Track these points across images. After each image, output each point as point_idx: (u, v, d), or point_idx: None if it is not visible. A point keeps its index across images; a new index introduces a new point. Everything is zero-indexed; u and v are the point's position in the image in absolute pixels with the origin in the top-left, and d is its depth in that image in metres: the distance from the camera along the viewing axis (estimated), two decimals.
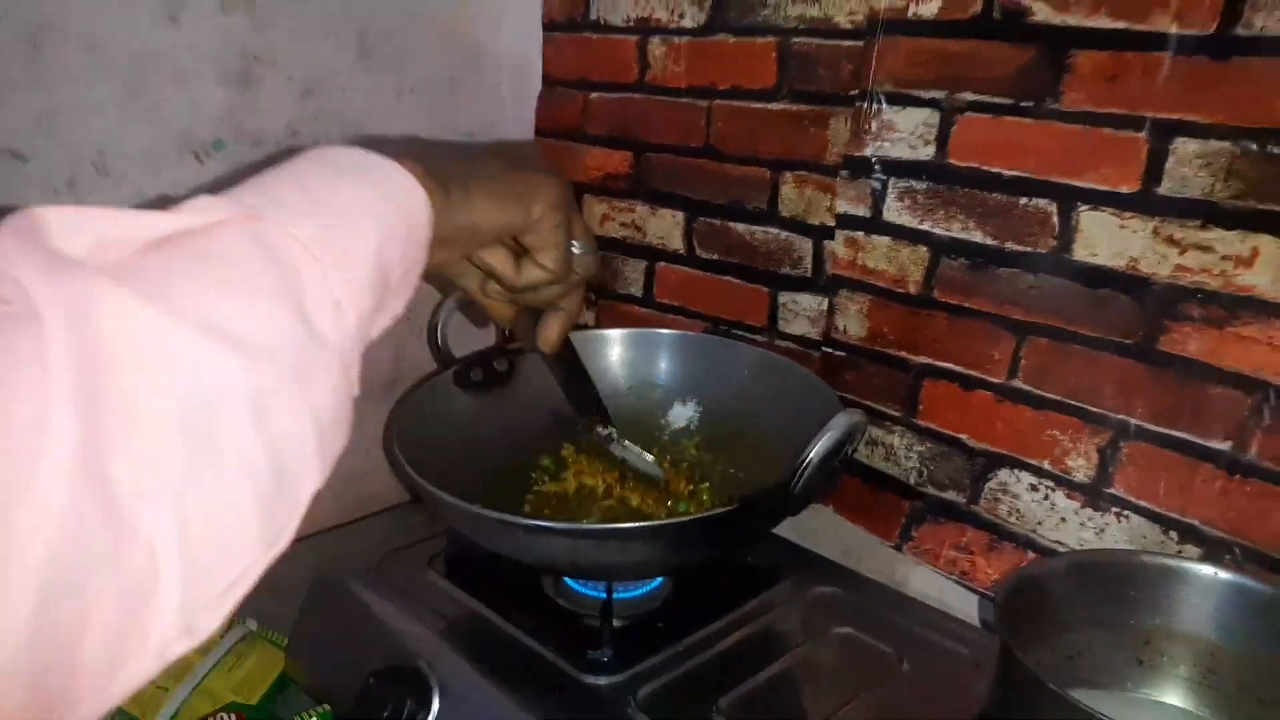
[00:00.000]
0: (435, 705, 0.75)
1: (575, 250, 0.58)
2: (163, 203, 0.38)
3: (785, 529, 0.98)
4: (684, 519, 0.79)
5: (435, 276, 0.55)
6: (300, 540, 1.04)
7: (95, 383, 0.29)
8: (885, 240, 0.94)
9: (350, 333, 0.38)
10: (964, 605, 0.92)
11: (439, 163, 0.47)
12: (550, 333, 0.64)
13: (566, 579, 0.86)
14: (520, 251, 0.57)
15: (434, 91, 1.21)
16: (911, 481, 0.97)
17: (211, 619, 0.32)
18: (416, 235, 0.44)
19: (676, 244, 1.15)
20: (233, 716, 0.80)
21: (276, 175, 0.41)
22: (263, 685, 0.87)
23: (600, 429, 0.80)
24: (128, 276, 0.31)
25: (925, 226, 0.90)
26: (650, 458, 0.85)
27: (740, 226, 1.08)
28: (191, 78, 1.01)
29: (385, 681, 0.75)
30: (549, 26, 1.22)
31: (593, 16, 1.16)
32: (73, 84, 0.92)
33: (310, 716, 0.76)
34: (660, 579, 0.87)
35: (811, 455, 0.69)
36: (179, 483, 0.30)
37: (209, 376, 0.32)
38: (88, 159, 0.95)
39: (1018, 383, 0.87)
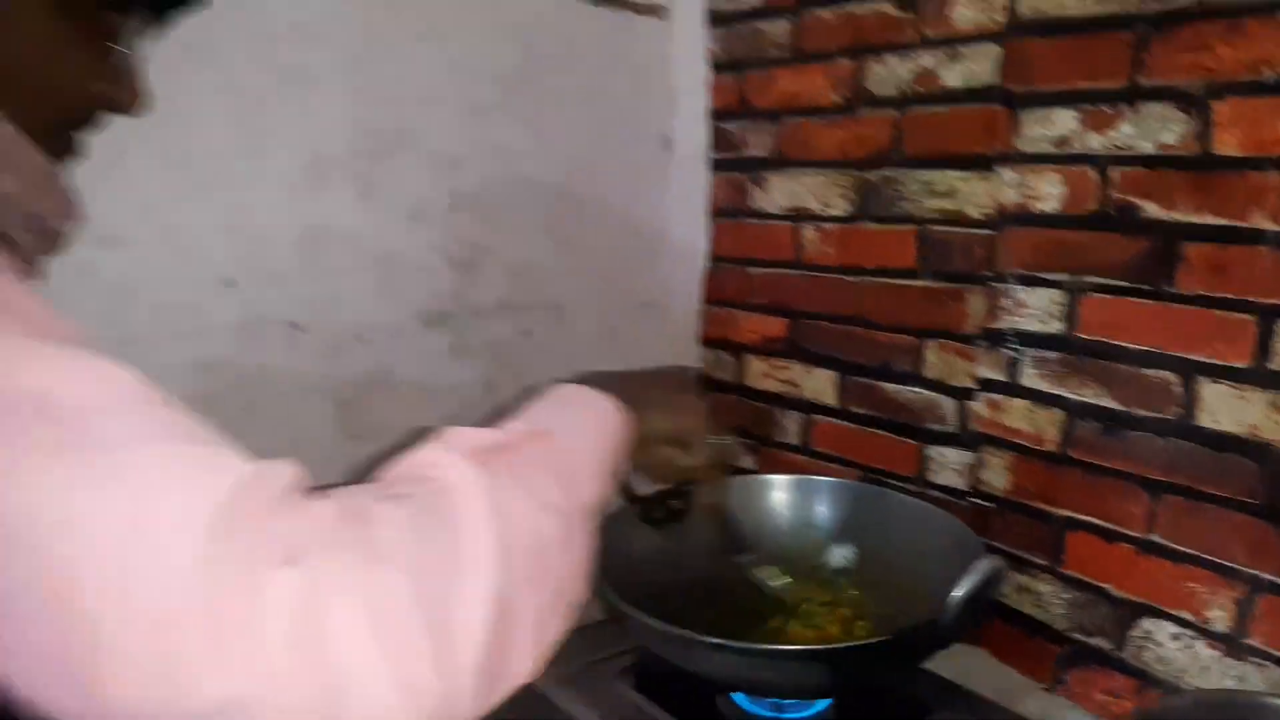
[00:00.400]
0: None
1: (714, 442, 0.77)
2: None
3: (943, 669, 1.06)
4: (840, 645, 0.90)
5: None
6: None
7: (511, 542, 0.47)
8: (1023, 403, 1.05)
9: (592, 501, 0.59)
10: None
11: (624, 388, 0.67)
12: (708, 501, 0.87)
13: (735, 698, 0.97)
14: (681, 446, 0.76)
15: (616, 271, 1.41)
16: (1060, 627, 1.04)
17: (543, 661, 0.50)
18: (619, 442, 0.65)
19: (830, 399, 1.28)
20: None
21: (548, 409, 0.63)
22: None
23: (739, 556, 0.97)
24: (505, 473, 0.51)
25: (1059, 392, 1.01)
26: (777, 583, 0.98)
27: (889, 386, 1.21)
28: (430, 265, 1.23)
29: None
30: (714, 214, 1.41)
31: (753, 206, 1.35)
32: (341, 275, 1.16)
33: None
34: (826, 703, 0.96)
35: (957, 594, 0.80)
36: (535, 585, 0.49)
37: (546, 532, 0.51)
38: (350, 332, 1.18)
39: (1156, 537, 0.95)
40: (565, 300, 1.37)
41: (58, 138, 0.56)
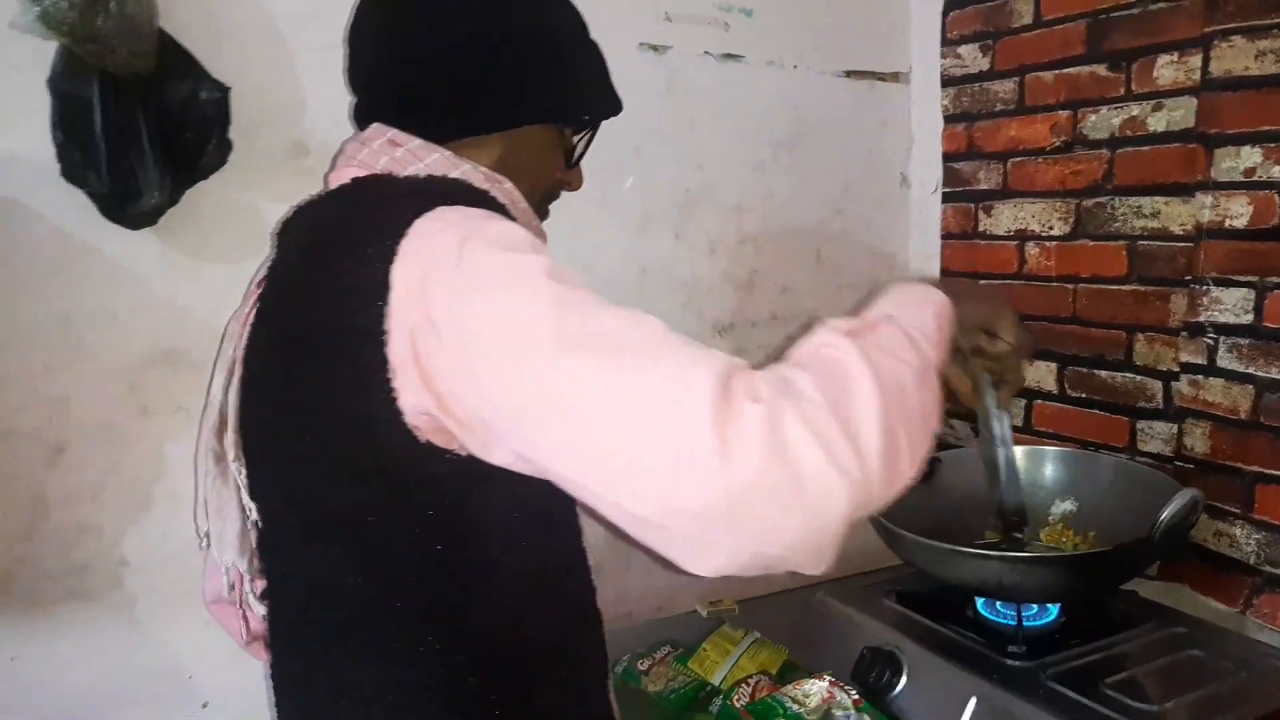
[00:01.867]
0: (904, 675, 1.19)
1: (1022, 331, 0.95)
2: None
3: (1153, 595, 1.32)
4: (1071, 554, 1.20)
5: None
6: (763, 596, 1.53)
7: (877, 376, 0.67)
8: (1220, 381, 1.30)
9: (934, 358, 0.76)
10: None
11: (949, 285, 0.85)
12: (1005, 395, 1.00)
13: (982, 610, 1.27)
14: (992, 335, 0.92)
15: (862, 287, 1.74)
16: (1251, 562, 1.28)
17: (917, 469, 0.69)
18: (948, 320, 0.81)
19: (1050, 386, 1.56)
20: (765, 677, 1.28)
21: (890, 299, 0.80)
22: (774, 665, 1.35)
23: (1017, 534, 1.12)
24: (867, 340, 0.70)
25: (1250, 370, 1.26)
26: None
27: (1103, 373, 1.47)
28: (720, 287, 1.61)
29: (874, 654, 1.21)
30: (945, 236, 1.72)
31: (981, 229, 1.64)
32: (659, 297, 1.54)
33: (825, 674, 1.21)
34: (1055, 613, 1.25)
35: (1163, 516, 1.08)
36: (901, 413, 0.68)
37: (903, 377, 0.70)
38: None
39: None
40: (821, 311, 1.71)
41: (541, 207, 0.94)
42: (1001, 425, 1.05)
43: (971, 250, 1.67)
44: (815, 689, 1.20)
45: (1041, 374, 1.57)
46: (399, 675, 0.76)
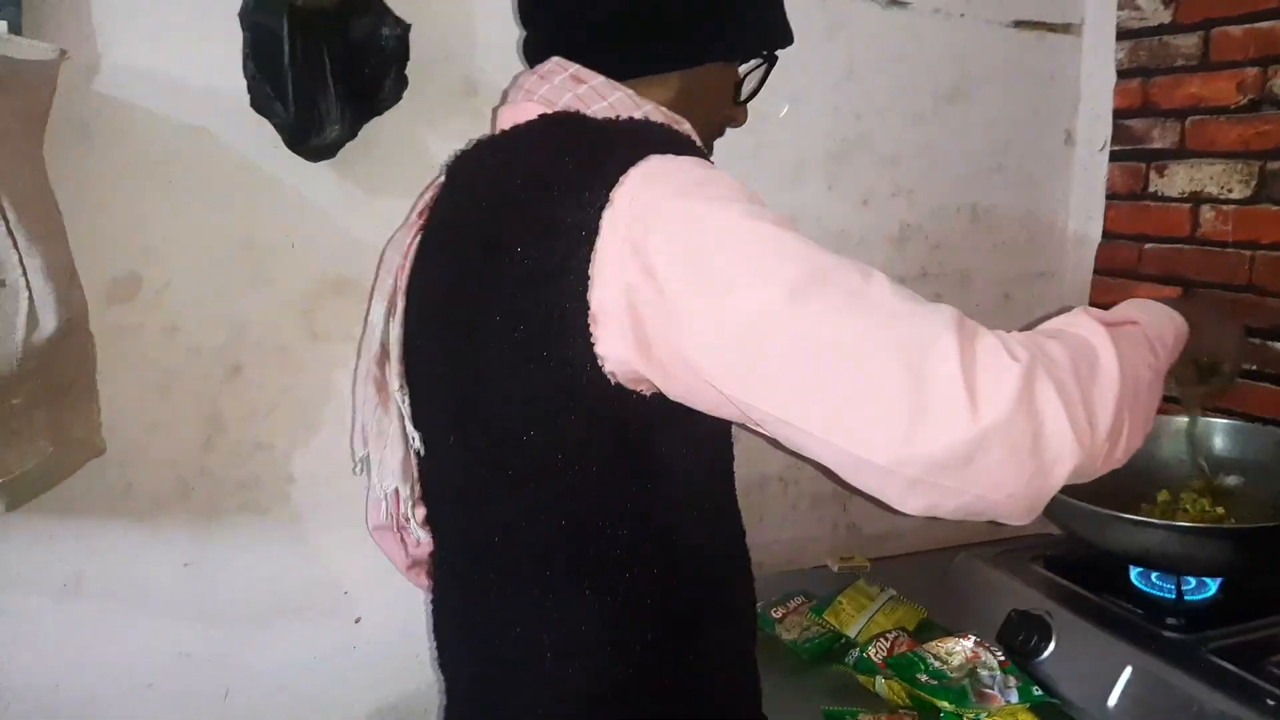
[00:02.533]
0: (1053, 640, 1.16)
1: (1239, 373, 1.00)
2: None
3: None
4: (1240, 527, 1.16)
5: None
6: (897, 556, 1.52)
7: (1121, 364, 0.70)
8: None
9: (1163, 371, 0.79)
10: None
11: (1187, 309, 0.87)
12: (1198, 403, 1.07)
13: (1136, 582, 1.23)
14: (1211, 362, 0.98)
15: (1017, 244, 1.69)
16: None
17: (1133, 452, 0.72)
18: (1181, 339, 0.84)
19: None
20: (899, 633, 1.27)
21: (1136, 307, 0.83)
22: (912, 623, 1.34)
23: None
24: (1117, 333, 0.73)
25: None
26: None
27: (1279, 345, 1.39)
28: (871, 240, 1.58)
29: (1021, 617, 1.18)
30: (1111, 197, 1.65)
31: (1152, 190, 1.57)
32: None
33: (967, 636, 1.20)
34: (1214, 588, 1.20)
35: None
36: (1133, 403, 0.70)
37: (1142, 376, 0.73)
38: None
39: None
40: (972, 269, 1.67)
41: (707, 145, 0.93)
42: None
43: (1140, 212, 1.60)
44: (959, 648, 1.19)
45: None
46: (574, 614, 0.79)
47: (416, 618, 1.27)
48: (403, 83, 1.21)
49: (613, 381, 0.71)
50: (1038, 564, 1.32)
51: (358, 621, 1.33)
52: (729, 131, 0.97)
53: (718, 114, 0.93)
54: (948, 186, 1.61)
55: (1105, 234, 1.66)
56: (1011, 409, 0.62)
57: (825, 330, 0.64)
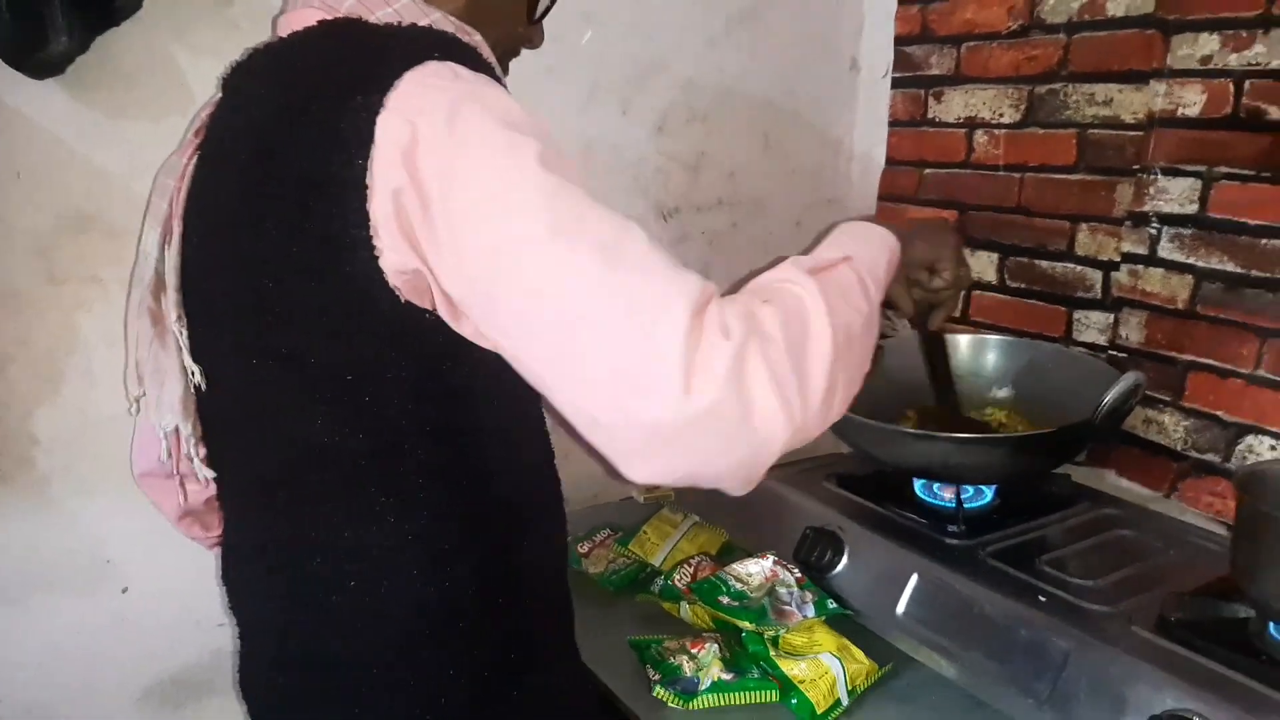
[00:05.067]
0: (846, 555, 1.21)
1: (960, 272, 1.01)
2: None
3: (1081, 480, 1.36)
4: (1011, 435, 1.22)
5: None
6: None
7: (832, 320, 0.69)
8: (1159, 271, 1.32)
9: (877, 304, 0.80)
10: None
11: (902, 228, 0.90)
12: (937, 319, 1.05)
13: (920, 494, 1.29)
14: (932, 271, 0.99)
15: (808, 172, 1.71)
16: (1179, 448, 1.32)
17: (847, 406, 0.73)
18: (894, 260, 0.87)
19: (990, 277, 1.57)
20: (702, 558, 1.29)
21: (843, 237, 0.83)
22: (714, 547, 1.36)
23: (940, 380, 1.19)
24: (826, 285, 0.72)
25: (1190, 260, 1.28)
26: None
27: (1044, 263, 1.48)
28: (668, 169, 1.56)
29: (815, 533, 1.22)
30: (893, 124, 1.69)
31: (929, 116, 1.62)
32: (605, 176, 1.49)
33: (765, 556, 1.22)
34: (990, 495, 1.27)
35: (1108, 397, 1.09)
36: (846, 355, 0.71)
37: (854, 326, 0.73)
38: None
39: (1262, 371, 1.22)
40: (766, 197, 1.68)
41: (501, 64, 0.89)
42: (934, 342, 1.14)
43: (919, 138, 1.65)
44: (758, 568, 1.21)
45: (982, 264, 1.58)
46: (378, 539, 0.76)
47: (190, 580, 1.17)
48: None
49: (402, 298, 0.68)
50: (831, 482, 1.37)
51: (125, 591, 1.21)
52: (523, 53, 0.93)
53: (510, 31, 0.89)
54: (741, 113, 1.60)
55: (888, 160, 1.71)
56: (722, 391, 0.62)
57: (566, 277, 0.63)
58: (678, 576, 1.26)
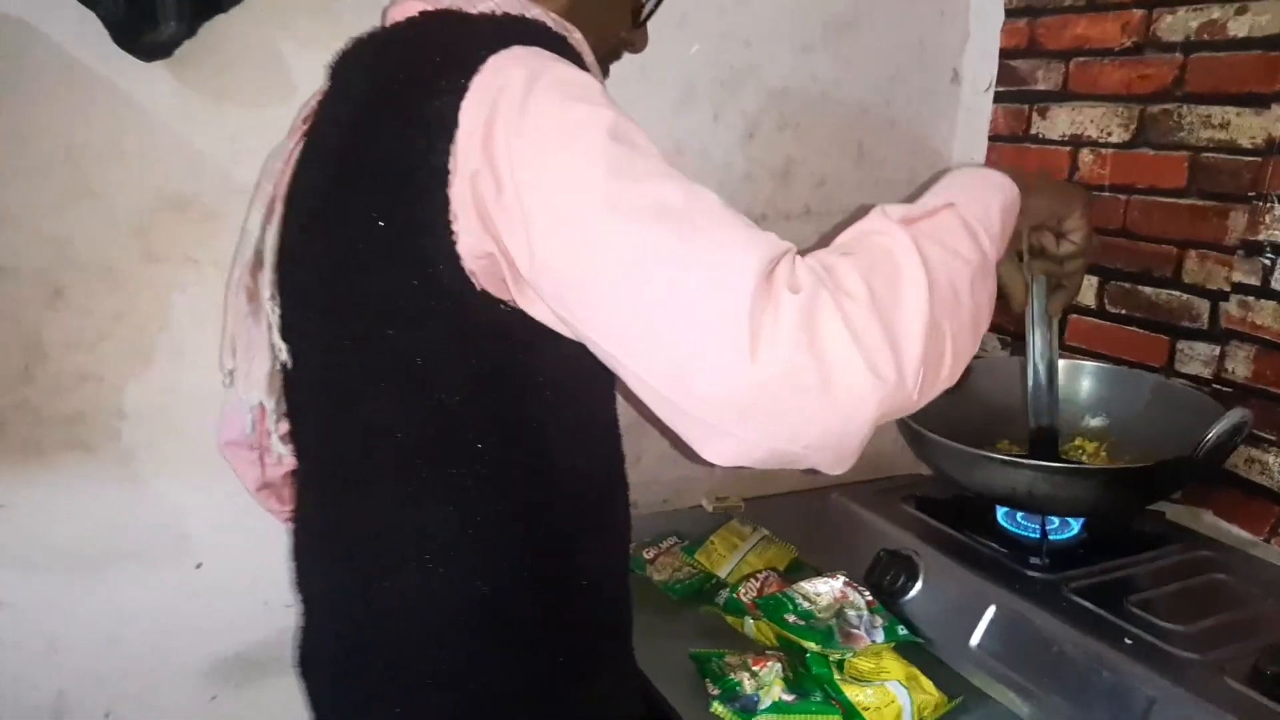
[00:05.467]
0: (920, 580, 1.16)
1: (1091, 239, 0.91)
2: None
3: (1175, 518, 1.30)
4: (1106, 466, 1.16)
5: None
6: (773, 495, 1.52)
7: (927, 270, 0.63)
8: (1272, 304, 1.24)
9: (994, 258, 0.73)
10: None
11: (1022, 176, 0.80)
12: (1057, 303, 0.99)
13: (1003, 522, 1.24)
14: (1060, 234, 0.91)
15: (903, 183, 1.67)
16: None
17: (959, 372, 0.66)
18: (1013, 211, 0.78)
19: (1089, 301, 1.50)
20: (770, 573, 1.26)
21: (954, 181, 0.76)
22: (782, 563, 1.33)
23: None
24: (924, 232, 0.66)
25: None
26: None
27: (1148, 289, 1.42)
28: (755, 174, 1.53)
29: (890, 556, 1.18)
30: (994, 138, 1.64)
31: (1033, 132, 1.56)
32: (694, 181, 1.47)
33: (836, 575, 1.19)
34: (1078, 528, 1.22)
35: (1211, 433, 1.03)
36: (951, 312, 0.65)
37: (957, 272, 0.66)
38: None
39: None
40: (856, 208, 1.64)
41: (604, 66, 0.89)
42: (1050, 334, 1.03)
43: (1021, 154, 1.59)
44: (827, 588, 1.18)
45: (1083, 289, 1.51)
46: (436, 526, 0.76)
47: (263, 562, 1.18)
48: None
49: (476, 286, 0.68)
50: (908, 504, 1.33)
51: (198, 567, 1.24)
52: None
53: (613, 33, 0.89)
54: (834, 121, 1.57)
55: None
56: (790, 351, 0.57)
57: (630, 247, 0.61)
58: (743, 590, 1.24)
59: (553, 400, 0.76)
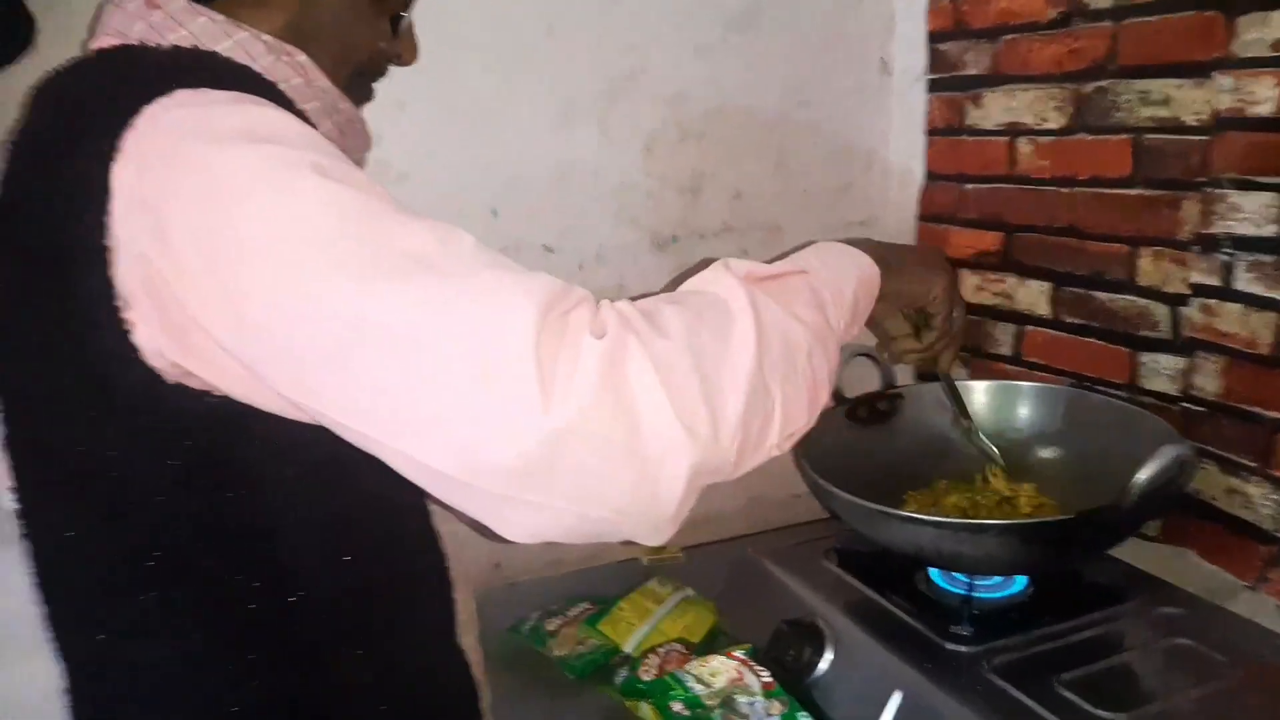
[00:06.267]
0: (828, 651, 1.00)
1: (955, 316, 0.85)
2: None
3: (1152, 567, 1.11)
4: (1024, 521, 0.99)
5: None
6: (720, 542, 1.36)
7: (759, 330, 0.57)
8: (1237, 307, 1.06)
9: (840, 334, 0.68)
10: None
11: (884, 252, 0.75)
12: (945, 362, 0.92)
13: (934, 576, 1.08)
14: (919, 321, 0.85)
15: (831, 192, 1.51)
16: (1268, 528, 1.06)
17: (788, 444, 0.61)
18: (872, 291, 0.73)
19: (1043, 310, 1.33)
20: (679, 646, 1.11)
21: (809, 254, 0.71)
22: (700, 631, 1.17)
23: (964, 420, 1.09)
24: (765, 290, 0.61)
25: (1273, 294, 1.02)
26: (995, 450, 1.10)
27: (1102, 295, 1.24)
28: (658, 192, 1.38)
29: (793, 628, 1.02)
30: (930, 132, 1.47)
31: (969, 123, 1.39)
32: (585, 204, 1.33)
33: (737, 649, 1.03)
34: (1022, 584, 1.05)
35: (1139, 479, 0.86)
36: (783, 378, 0.59)
37: (795, 336, 0.61)
38: (592, 252, 1.35)
39: None
40: (782, 221, 1.48)
41: (357, 86, 0.75)
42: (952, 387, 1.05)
43: (957, 148, 1.42)
44: (724, 667, 1.02)
45: (1034, 296, 1.34)
46: (153, 652, 0.64)
47: None
48: (24, 29, 0.97)
49: (168, 380, 0.57)
50: (830, 559, 1.16)
51: None
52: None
53: (360, 45, 0.75)
54: (744, 129, 1.41)
55: (928, 174, 1.49)
56: (592, 397, 0.50)
57: (375, 311, 0.51)
58: (644, 668, 1.09)
59: (283, 498, 0.63)
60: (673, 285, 0.65)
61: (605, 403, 0.51)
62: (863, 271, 0.72)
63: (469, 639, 0.77)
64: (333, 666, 0.67)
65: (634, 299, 0.59)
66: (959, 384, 1.12)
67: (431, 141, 1.22)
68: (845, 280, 0.70)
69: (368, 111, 0.77)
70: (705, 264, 0.64)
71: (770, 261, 0.67)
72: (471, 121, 1.24)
